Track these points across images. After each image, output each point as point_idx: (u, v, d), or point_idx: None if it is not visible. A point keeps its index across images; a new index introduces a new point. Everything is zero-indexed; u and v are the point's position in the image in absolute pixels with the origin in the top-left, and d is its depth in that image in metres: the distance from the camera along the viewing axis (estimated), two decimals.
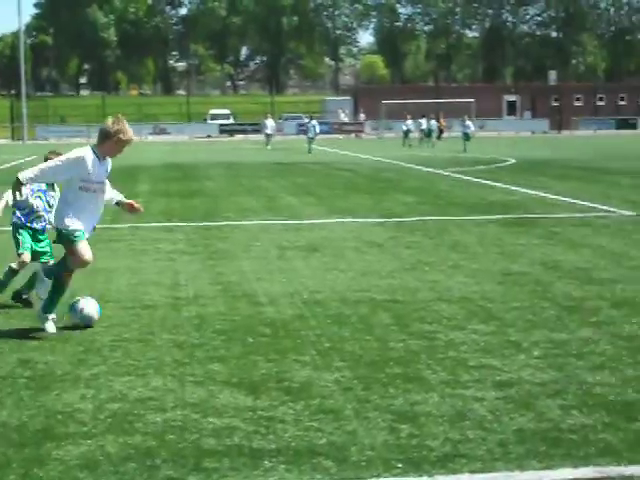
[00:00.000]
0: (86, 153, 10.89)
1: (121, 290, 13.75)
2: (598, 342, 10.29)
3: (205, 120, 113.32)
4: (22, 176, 10.61)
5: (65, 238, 10.97)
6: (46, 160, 12.94)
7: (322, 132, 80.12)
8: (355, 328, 11.12)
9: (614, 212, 22.86)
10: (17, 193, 11.04)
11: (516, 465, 6.74)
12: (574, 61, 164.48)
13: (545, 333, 10.72)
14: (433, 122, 77.83)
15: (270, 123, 74.12)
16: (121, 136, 10.73)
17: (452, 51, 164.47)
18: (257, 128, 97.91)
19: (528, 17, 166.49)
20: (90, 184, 10.88)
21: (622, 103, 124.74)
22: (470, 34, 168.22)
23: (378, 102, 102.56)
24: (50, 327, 10.87)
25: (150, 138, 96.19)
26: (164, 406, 8.18)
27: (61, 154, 13.05)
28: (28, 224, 12.63)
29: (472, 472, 6.60)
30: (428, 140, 73.20)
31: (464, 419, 7.77)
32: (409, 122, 74.45)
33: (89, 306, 11.46)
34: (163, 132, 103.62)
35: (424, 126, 74.46)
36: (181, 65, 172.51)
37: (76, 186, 10.89)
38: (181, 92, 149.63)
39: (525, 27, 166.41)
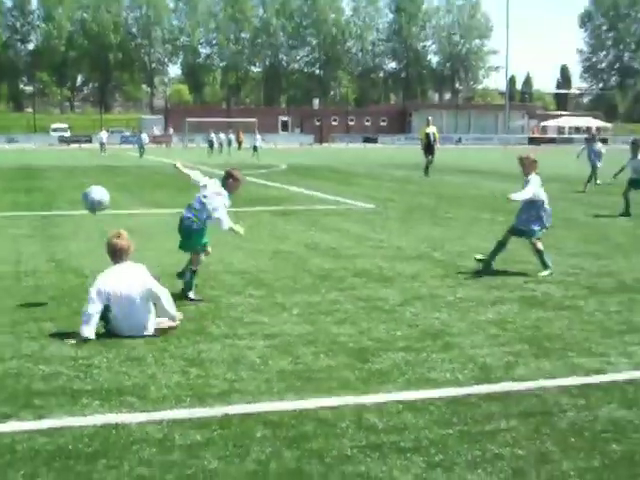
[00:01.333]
0: None
1: None
2: (343, 303, 10.43)
3: (48, 132, 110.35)
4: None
5: None
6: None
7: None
8: None
9: (358, 205, 23.22)
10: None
11: (278, 397, 6.81)
12: (332, 92, 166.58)
13: (303, 297, 10.80)
14: (231, 136, 77.53)
15: (105, 135, 73.46)
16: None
17: (241, 82, 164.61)
18: (89, 139, 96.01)
19: (298, 58, 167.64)
20: None
21: (367, 124, 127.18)
22: (255, 69, 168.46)
23: (183, 120, 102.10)
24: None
25: (6, 147, 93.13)
26: (3, 357, 7.94)
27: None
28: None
29: (246, 403, 6.66)
30: (228, 150, 72.70)
31: (239, 363, 7.78)
32: (212, 135, 73.99)
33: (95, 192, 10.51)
34: (13, 141, 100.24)
35: (222, 139, 74.36)
36: (29, 89, 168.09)
37: None
38: (29, 110, 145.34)
39: (296, 65, 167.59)
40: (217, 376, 7.41)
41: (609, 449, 5.82)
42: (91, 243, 15.55)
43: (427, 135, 37.49)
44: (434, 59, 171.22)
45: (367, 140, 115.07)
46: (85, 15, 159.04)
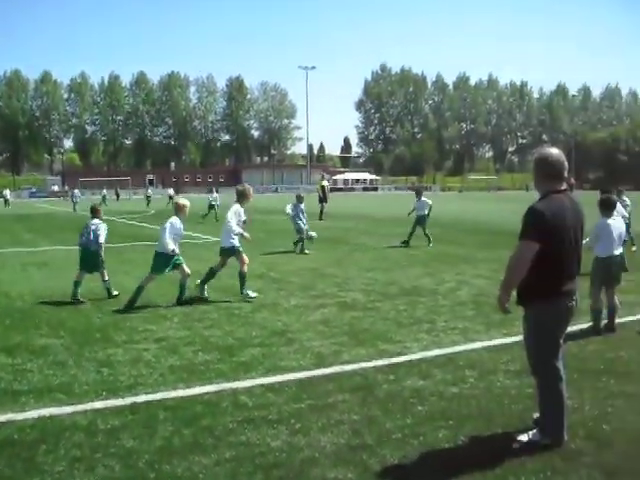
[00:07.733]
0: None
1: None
2: (211, 312, 10.02)
3: None
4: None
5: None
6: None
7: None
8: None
9: (209, 238, 22.44)
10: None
11: (172, 387, 6.46)
12: (184, 157, 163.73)
13: (181, 308, 10.34)
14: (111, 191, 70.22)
15: (8, 192, 65.62)
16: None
17: (117, 151, 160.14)
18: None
19: (159, 133, 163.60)
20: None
21: (210, 180, 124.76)
22: (127, 142, 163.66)
23: (76, 179, 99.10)
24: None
25: None
26: None
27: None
28: None
29: (148, 393, 6.24)
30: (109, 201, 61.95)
31: (139, 362, 7.33)
32: (104, 191, 63.59)
33: None
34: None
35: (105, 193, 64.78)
36: None
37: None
38: None
39: (157, 138, 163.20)
40: (124, 373, 6.96)
41: (416, 410, 5.79)
42: (15, 274, 14.54)
43: (323, 187, 34.97)
44: (256, 133, 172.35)
45: (210, 191, 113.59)
46: None
